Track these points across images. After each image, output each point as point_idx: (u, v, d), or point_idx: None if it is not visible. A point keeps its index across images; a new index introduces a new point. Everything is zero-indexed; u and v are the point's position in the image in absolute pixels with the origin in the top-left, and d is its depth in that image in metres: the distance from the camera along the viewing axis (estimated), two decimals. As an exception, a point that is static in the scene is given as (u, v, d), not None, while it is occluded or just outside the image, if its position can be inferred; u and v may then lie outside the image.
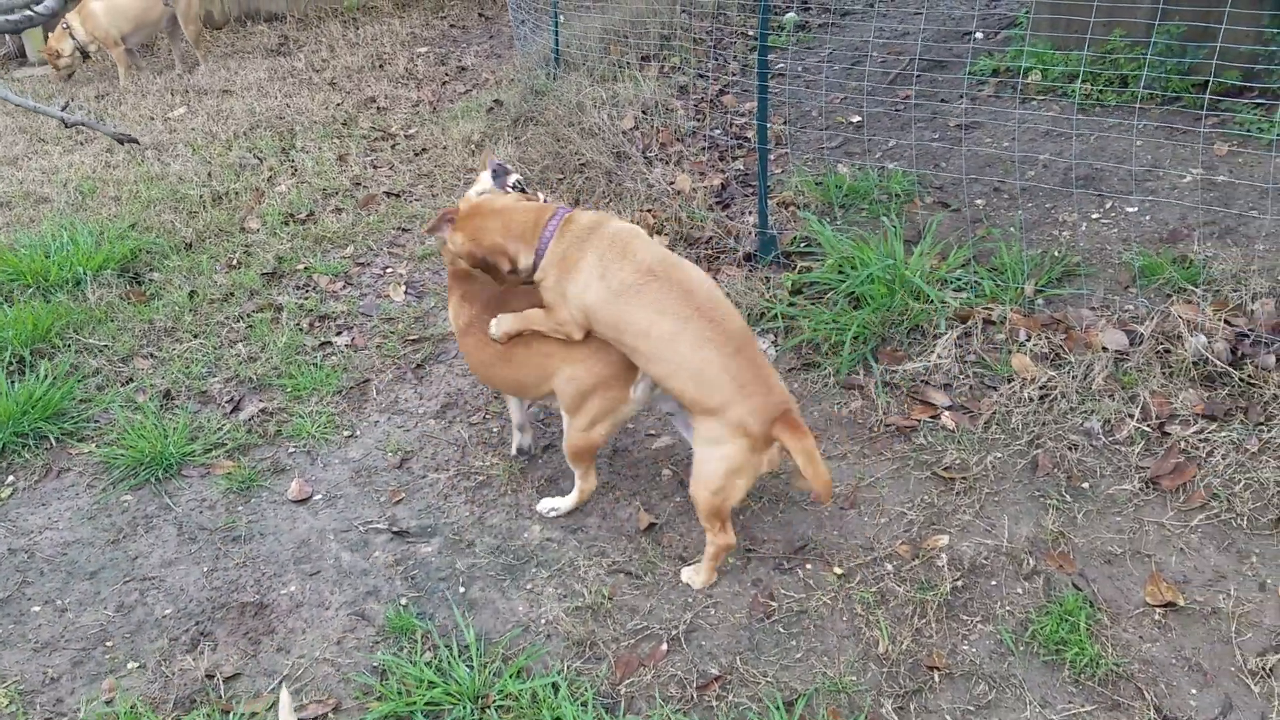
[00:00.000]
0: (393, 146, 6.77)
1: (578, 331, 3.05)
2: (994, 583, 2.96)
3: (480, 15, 10.27)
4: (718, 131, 6.09)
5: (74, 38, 8.51)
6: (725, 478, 2.89)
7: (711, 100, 6.61)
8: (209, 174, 6.38)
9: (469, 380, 4.14)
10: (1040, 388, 3.55)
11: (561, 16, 7.11)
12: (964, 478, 3.33)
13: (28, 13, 3.52)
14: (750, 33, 7.68)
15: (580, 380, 3.10)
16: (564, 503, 3.38)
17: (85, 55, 8.74)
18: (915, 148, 5.40)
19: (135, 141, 3.56)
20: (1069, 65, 5.71)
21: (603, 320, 2.98)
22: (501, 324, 3.20)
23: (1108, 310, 3.84)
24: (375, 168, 6.41)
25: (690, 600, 3.01)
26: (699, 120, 6.21)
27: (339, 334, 4.55)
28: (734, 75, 7.01)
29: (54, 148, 7.28)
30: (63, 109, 3.35)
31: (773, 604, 2.97)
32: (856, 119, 6.02)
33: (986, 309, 3.90)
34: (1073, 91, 5.58)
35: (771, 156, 4.85)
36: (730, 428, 2.84)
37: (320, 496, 3.58)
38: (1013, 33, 6.75)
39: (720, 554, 3.05)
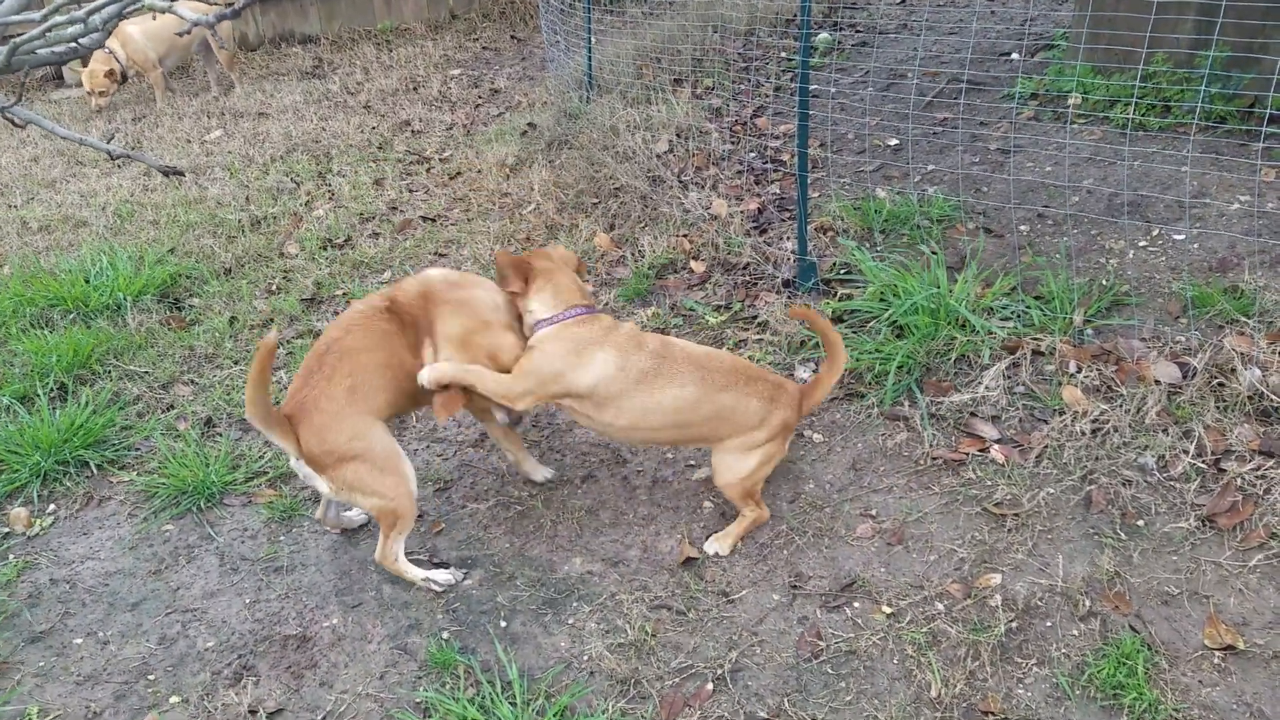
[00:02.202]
0: (428, 170, 6.78)
1: (529, 404, 3.16)
2: (1049, 624, 2.89)
3: (512, 37, 10.31)
4: (752, 155, 6.06)
5: (118, 61, 8.60)
6: (759, 469, 3.25)
7: (745, 123, 6.58)
8: (246, 198, 6.42)
9: (507, 408, 4.11)
10: (1092, 421, 3.48)
11: (594, 38, 7.11)
12: (1015, 514, 3.26)
13: (73, 45, 3.54)
14: (783, 54, 7.66)
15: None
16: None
17: (123, 79, 8.83)
18: (955, 172, 5.34)
19: (181, 174, 3.57)
20: (1110, 91, 5.65)
21: (624, 406, 3.11)
22: (435, 370, 3.08)
23: (1159, 341, 3.76)
24: (411, 192, 6.43)
25: (735, 638, 2.96)
26: (733, 143, 6.19)
27: (377, 360, 4.53)
28: (767, 97, 6.98)
29: (91, 170, 7.36)
30: (108, 141, 3.36)
31: (820, 643, 2.91)
32: (894, 142, 5.97)
33: (1035, 339, 3.83)
34: (1115, 117, 5.51)
35: (808, 180, 4.79)
36: (769, 430, 3.20)
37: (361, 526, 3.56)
38: (1049, 55, 6.69)
39: (754, 526, 3.35)
